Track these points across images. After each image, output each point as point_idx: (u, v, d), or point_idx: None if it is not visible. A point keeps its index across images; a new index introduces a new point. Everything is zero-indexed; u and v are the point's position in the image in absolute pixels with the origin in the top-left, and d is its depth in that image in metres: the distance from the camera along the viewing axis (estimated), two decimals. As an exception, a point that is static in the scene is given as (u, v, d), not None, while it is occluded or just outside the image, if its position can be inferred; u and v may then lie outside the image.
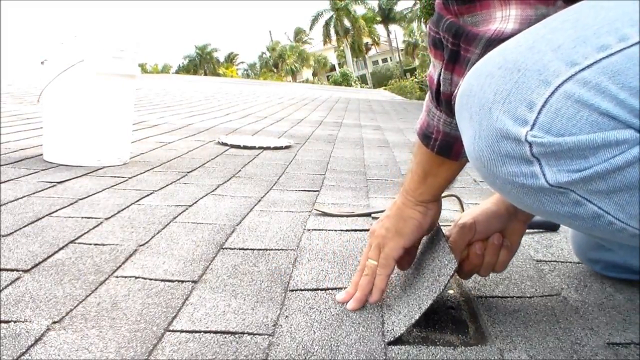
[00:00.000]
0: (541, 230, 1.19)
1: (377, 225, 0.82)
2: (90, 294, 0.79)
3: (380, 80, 39.51)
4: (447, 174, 0.77)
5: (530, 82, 0.49)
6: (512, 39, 0.54)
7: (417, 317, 0.69)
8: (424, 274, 0.78)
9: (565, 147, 0.48)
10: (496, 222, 0.79)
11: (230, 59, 57.06)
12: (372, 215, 1.33)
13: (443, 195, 0.81)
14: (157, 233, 1.11)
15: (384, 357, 0.64)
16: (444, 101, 0.69)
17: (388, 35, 45.85)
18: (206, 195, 1.49)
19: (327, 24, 43.23)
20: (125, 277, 0.87)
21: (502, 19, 0.58)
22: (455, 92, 0.66)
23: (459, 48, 0.63)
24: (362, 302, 0.77)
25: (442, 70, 0.66)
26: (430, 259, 0.79)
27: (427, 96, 0.75)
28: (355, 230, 1.19)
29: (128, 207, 1.31)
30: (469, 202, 1.52)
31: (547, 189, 0.51)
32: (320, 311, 0.76)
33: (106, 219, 1.19)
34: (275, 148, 2.56)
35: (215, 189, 1.58)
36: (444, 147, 0.73)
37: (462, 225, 0.79)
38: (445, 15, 0.63)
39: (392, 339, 0.68)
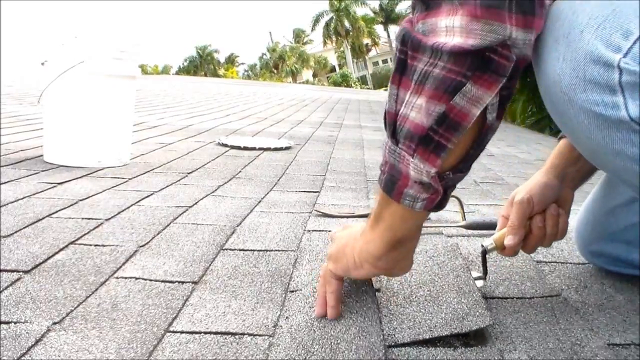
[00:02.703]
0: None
1: (342, 231, 0.78)
2: (90, 295, 0.79)
3: (381, 81, 39.51)
4: (392, 222, 0.65)
5: (628, 10, 0.48)
6: None
7: (425, 337, 0.69)
8: (440, 304, 0.75)
9: None
10: (550, 193, 0.81)
11: (231, 60, 57.09)
12: (372, 216, 1.33)
13: None
14: (158, 234, 1.11)
15: (384, 358, 0.64)
16: (388, 123, 0.61)
17: (388, 36, 45.86)
18: (206, 196, 1.49)
19: (327, 25, 43.26)
20: (126, 278, 0.87)
21: (446, 31, 0.55)
22: (401, 111, 0.59)
23: (406, 56, 0.58)
24: (322, 309, 0.74)
25: (389, 84, 0.61)
26: (454, 296, 0.76)
27: None
28: (356, 231, 1.19)
29: (128, 208, 1.31)
30: (469, 203, 1.52)
31: (624, 122, 0.50)
32: (321, 312, 0.76)
33: (106, 220, 1.19)
34: (276, 149, 2.56)
35: (216, 190, 1.58)
36: (388, 182, 0.63)
37: (521, 201, 0.80)
38: (404, 24, 0.60)
39: (392, 344, 0.68)
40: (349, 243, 0.72)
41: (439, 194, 0.62)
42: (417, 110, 0.57)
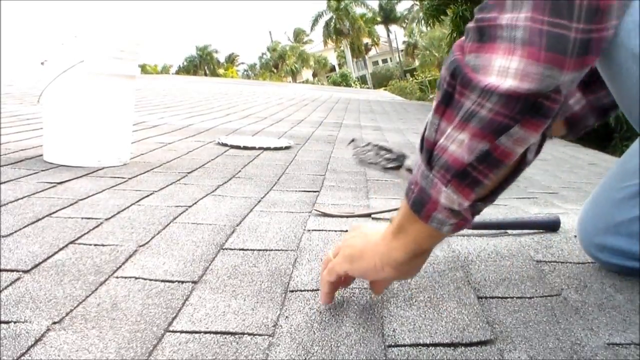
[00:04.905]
0: (541, 230, 1.19)
1: (354, 232, 0.79)
2: (90, 295, 0.79)
3: (380, 80, 39.54)
4: (417, 237, 0.68)
5: None
6: None
7: (426, 342, 0.68)
8: (441, 312, 0.77)
9: None
10: None
11: (231, 59, 57.07)
12: (372, 215, 1.33)
13: None
14: (157, 233, 1.11)
15: (384, 358, 0.64)
16: (425, 149, 0.62)
17: (388, 36, 45.88)
18: (206, 195, 1.49)
19: (327, 25, 43.26)
20: (126, 277, 0.87)
21: (499, 72, 0.54)
22: (440, 141, 0.60)
23: (454, 90, 0.58)
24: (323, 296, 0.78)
25: (432, 112, 0.61)
26: (454, 306, 0.79)
27: None
28: (355, 231, 1.19)
29: (128, 207, 1.31)
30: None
31: None
32: (320, 312, 0.76)
33: (106, 219, 1.19)
34: (276, 148, 2.56)
35: (216, 189, 1.58)
36: (417, 202, 0.65)
37: None
38: (455, 52, 0.58)
39: (392, 344, 0.68)
40: (367, 247, 0.73)
41: (468, 221, 0.64)
42: (458, 144, 0.58)
